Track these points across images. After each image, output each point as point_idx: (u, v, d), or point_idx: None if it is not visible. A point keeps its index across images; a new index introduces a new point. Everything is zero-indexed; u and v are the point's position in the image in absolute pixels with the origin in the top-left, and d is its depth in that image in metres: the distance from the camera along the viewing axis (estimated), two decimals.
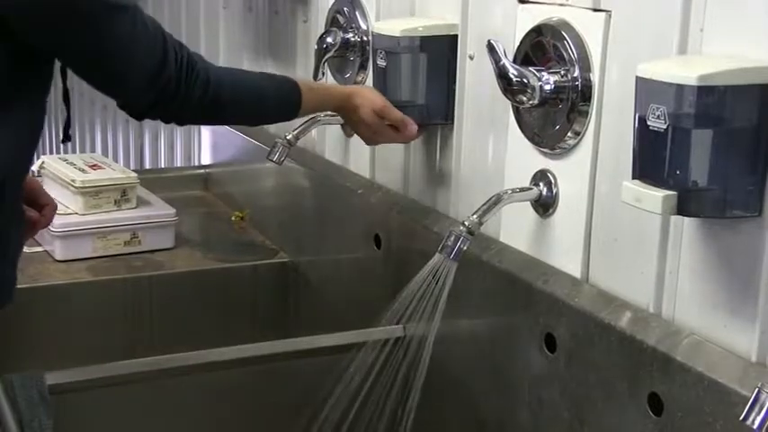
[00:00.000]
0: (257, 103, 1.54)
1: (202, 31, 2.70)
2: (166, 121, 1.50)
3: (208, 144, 2.66)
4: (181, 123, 1.57)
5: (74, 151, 4.03)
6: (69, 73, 1.40)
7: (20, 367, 1.41)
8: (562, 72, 1.32)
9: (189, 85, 1.39)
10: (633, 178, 1.11)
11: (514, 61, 1.37)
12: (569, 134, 1.34)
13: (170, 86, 1.37)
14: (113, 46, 1.29)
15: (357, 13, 1.86)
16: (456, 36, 1.59)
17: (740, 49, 1.09)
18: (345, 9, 1.88)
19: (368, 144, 1.72)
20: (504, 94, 1.34)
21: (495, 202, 1.37)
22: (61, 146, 3.02)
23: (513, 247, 1.47)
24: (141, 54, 1.33)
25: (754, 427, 0.96)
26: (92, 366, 1.48)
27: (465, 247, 1.34)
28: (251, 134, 2.37)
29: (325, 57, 1.85)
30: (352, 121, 1.65)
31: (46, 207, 1.51)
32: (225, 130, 2.50)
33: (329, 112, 1.98)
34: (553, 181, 1.39)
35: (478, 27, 1.55)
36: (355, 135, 1.92)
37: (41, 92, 1.32)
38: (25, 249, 2.05)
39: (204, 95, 1.42)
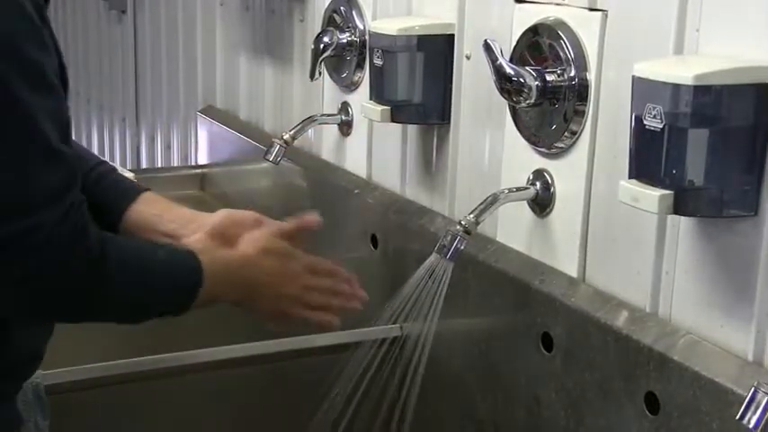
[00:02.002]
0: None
1: (199, 30, 2.70)
2: None
3: (204, 144, 2.65)
4: None
5: None
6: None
7: None
8: (559, 71, 1.33)
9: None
10: (630, 178, 1.11)
11: (511, 61, 1.37)
12: (566, 134, 1.34)
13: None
14: None
15: (354, 12, 1.86)
16: (453, 35, 1.59)
17: (736, 48, 1.09)
18: (342, 8, 1.88)
19: None
20: (501, 94, 1.34)
21: (492, 201, 1.37)
22: None
23: (510, 247, 1.47)
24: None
25: (750, 426, 0.96)
26: (89, 366, 1.47)
27: (462, 247, 1.34)
28: (248, 134, 2.37)
29: (322, 56, 1.85)
30: None
31: None
32: (222, 129, 2.50)
33: (327, 112, 2.00)
34: (550, 180, 1.39)
35: (475, 26, 1.55)
36: (353, 134, 1.93)
37: None
38: None
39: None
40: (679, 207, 1.07)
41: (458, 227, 1.34)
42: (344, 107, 1.93)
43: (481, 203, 1.36)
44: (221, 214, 1.37)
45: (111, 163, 1.49)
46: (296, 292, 1.32)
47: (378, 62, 1.62)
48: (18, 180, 1.04)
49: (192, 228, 1.35)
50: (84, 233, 1.10)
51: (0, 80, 1.01)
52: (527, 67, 1.34)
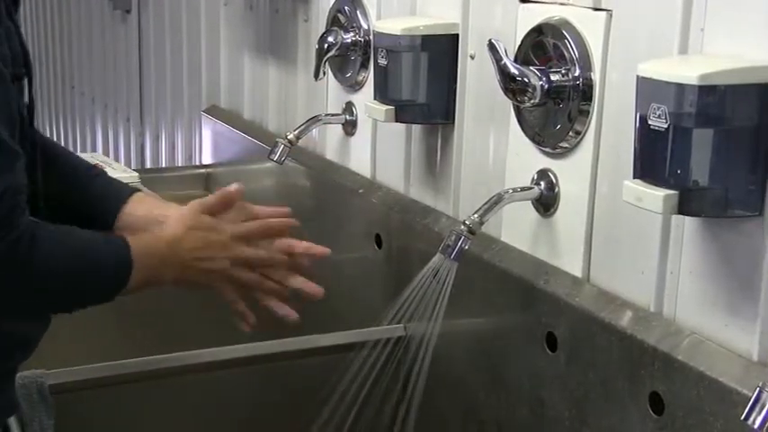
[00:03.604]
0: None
1: (203, 29, 2.70)
2: None
3: (209, 143, 2.66)
4: None
5: (75, 151, 4.03)
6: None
7: (20, 367, 1.41)
8: (563, 71, 1.32)
9: None
10: (634, 177, 1.11)
11: (515, 60, 1.37)
12: (570, 133, 1.34)
13: None
14: None
15: (358, 12, 1.86)
16: (457, 35, 1.58)
17: (741, 48, 1.09)
18: (346, 8, 1.88)
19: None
20: (506, 94, 1.34)
21: (496, 201, 1.37)
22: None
23: (514, 247, 1.47)
24: None
25: (755, 426, 0.96)
26: (92, 366, 1.48)
27: (466, 247, 1.34)
28: (252, 134, 2.37)
29: (327, 56, 1.85)
30: None
31: None
32: (226, 129, 2.50)
33: (331, 112, 2.00)
34: (554, 180, 1.39)
35: (479, 26, 1.55)
36: (357, 134, 1.93)
37: None
38: None
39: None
40: (683, 207, 1.07)
41: (462, 227, 1.34)
42: (349, 107, 1.93)
43: (485, 203, 1.36)
44: (190, 205, 1.37)
45: (100, 166, 1.50)
46: (222, 265, 1.32)
47: (382, 62, 1.62)
48: None
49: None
50: (9, 219, 1.10)
51: None
52: (531, 67, 1.34)
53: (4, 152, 1.10)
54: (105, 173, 1.46)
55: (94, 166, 1.45)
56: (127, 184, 1.47)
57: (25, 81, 1.19)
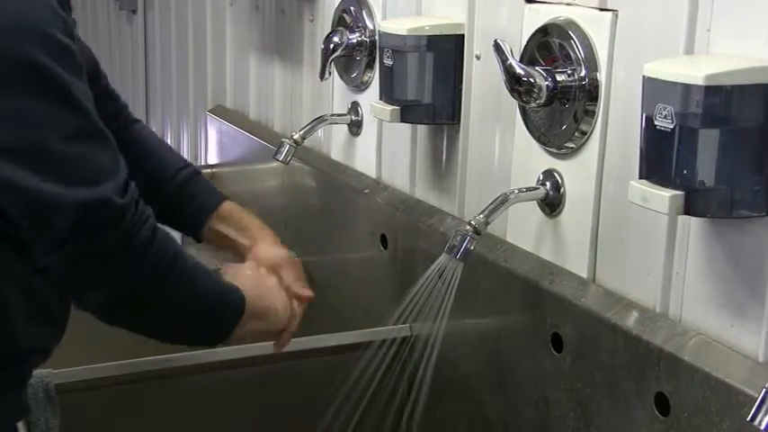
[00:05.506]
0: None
1: (209, 29, 2.70)
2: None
3: (214, 143, 2.66)
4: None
5: None
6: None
7: None
8: (569, 72, 1.32)
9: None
10: (640, 178, 1.11)
11: (521, 61, 1.37)
12: (576, 134, 1.34)
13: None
14: None
15: (363, 12, 1.86)
16: (462, 35, 1.58)
17: (747, 48, 1.09)
18: (352, 8, 1.88)
19: None
20: (511, 94, 1.34)
21: (502, 201, 1.37)
22: None
23: (520, 247, 1.47)
24: None
25: (762, 427, 0.96)
26: (98, 366, 1.48)
27: (471, 247, 1.34)
28: (257, 134, 2.37)
29: (332, 56, 1.85)
30: None
31: None
32: (231, 129, 2.50)
33: (336, 112, 2.00)
34: (560, 181, 1.39)
35: (485, 26, 1.55)
36: (362, 134, 1.93)
37: None
38: None
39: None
40: (689, 207, 1.07)
41: (467, 227, 1.34)
42: (354, 107, 1.93)
43: (491, 203, 1.36)
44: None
45: (192, 165, 1.52)
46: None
47: (387, 62, 1.62)
48: (85, 152, 1.10)
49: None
50: (142, 207, 1.15)
51: (47, 67, 1.06)
52: (537, 68, 1.34)
53: (114, 146, 1.14)
54: (200, 174, 1.50)
55: (188, 165, 1.50)
56: (218, 191, 1.51)
57: None
